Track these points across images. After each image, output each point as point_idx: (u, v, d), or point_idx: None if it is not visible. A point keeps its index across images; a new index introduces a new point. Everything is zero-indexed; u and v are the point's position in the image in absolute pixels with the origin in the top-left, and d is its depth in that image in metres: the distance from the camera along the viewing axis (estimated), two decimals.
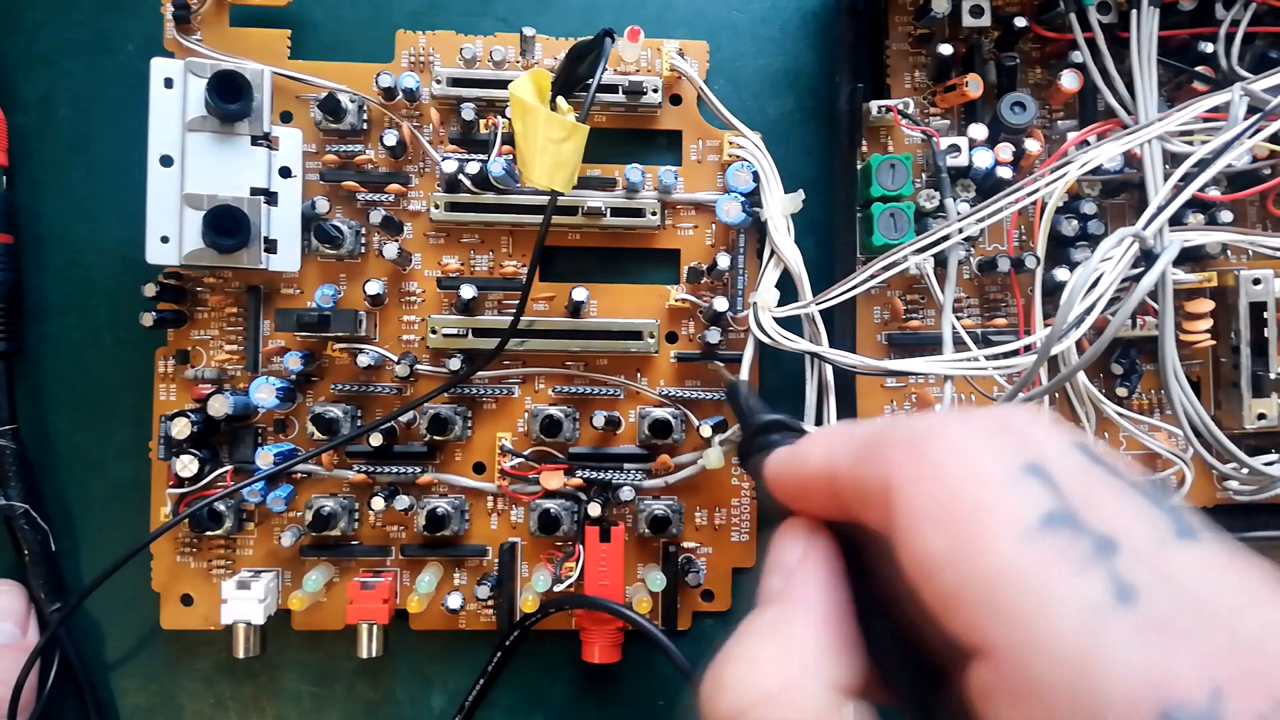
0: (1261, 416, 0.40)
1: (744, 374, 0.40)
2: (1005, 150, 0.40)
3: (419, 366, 0.40)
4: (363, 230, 0.41)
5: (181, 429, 0.38)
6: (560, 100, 0.35)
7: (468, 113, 0.40)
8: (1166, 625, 0.14)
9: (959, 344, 0.38)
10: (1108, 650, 0.14)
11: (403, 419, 0.40)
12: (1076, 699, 0.14)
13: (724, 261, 0.40)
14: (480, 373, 0.41)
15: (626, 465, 0.41)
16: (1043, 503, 0.16)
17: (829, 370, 0.39)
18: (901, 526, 0.17)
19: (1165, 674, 0.14)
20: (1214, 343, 0.41)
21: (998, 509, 0.16)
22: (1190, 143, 0.38)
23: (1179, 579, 0.15)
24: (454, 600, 0.40)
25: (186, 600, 0.40)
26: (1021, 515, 0.15)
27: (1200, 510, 0.42)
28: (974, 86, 0.40)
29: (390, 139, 0.40)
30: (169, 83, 0.36)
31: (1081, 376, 0.40)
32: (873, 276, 0.37)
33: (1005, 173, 0.40)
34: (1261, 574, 0.16)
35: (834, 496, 0.19)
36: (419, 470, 0.40)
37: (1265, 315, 0.40)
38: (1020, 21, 0.41)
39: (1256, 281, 0.40)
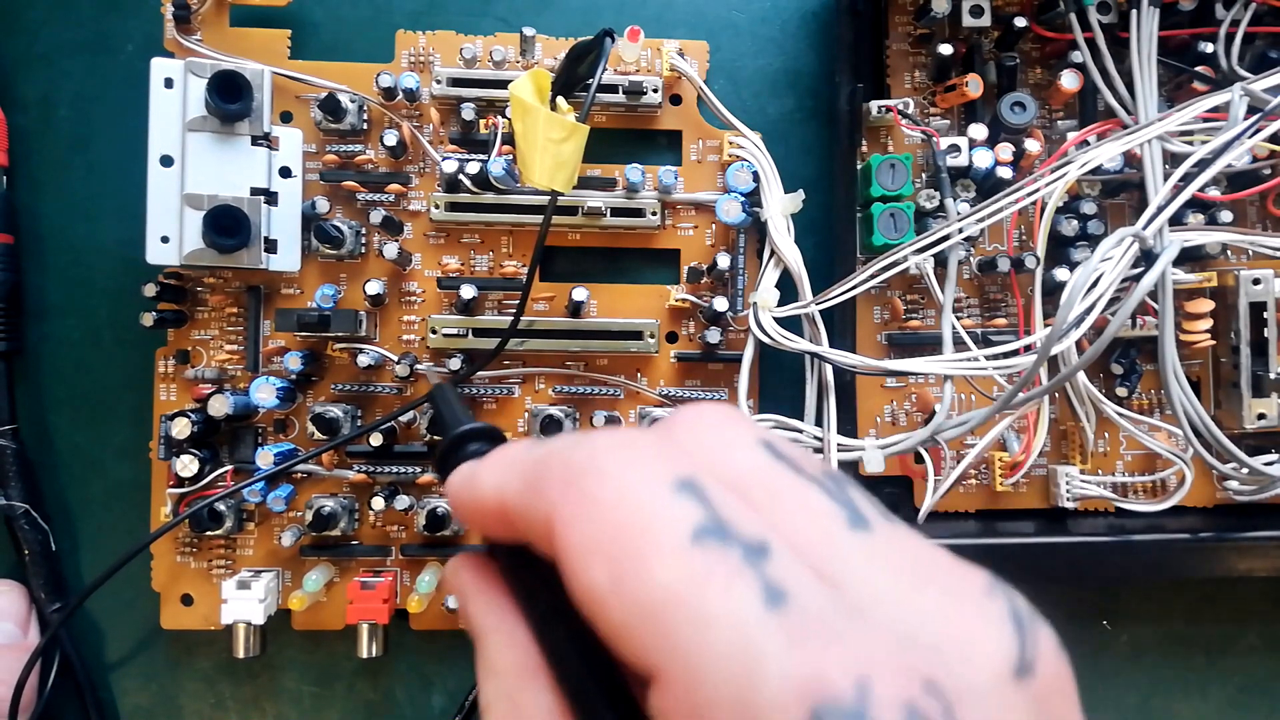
0: (1261, 416, 0.40)
1: (744, 374, 0.40)
2: (1005, 150, 0.40)
3: (419, 366, 0.40)
4: (363, 230, 0.41)
5: (181, 429, 0.38)
6: (560, 100, 0.35)
7: (468, 113, 0.40)
8: (815, 625, 0.14)
9: (959, 344, 0.38)
10: (760, 659, 0.14)
11: (403, 419, 0.40)
12: (738, 714, 0.14)
13: (724, 261, 0.40)
14: (480, 373, 0.41)
15: None
16: (692, 518, 0.15)
17: (829, 370, 0.39)
18: (567, 563, 0.16)
19: (813, 673, 0.14)
20: (1214, 343, 0.41)
21: (651, 532, 0.15)
22: (1190, 143, 0.38)
23: (840, 573, 0.15)
24: (454, 600, 0.40)
25: (187, 600, 0.40)
26: (672, 534, 0.15)
27: (1200, 510, 0.42)
28: (974, 86, 0.40)
29: (390, 139, 0.40)
30: (169, 83, 0.36)
31: (1081, 376, 0.40)
32: (873, 276, 0.37)
33: (1005, 173, 0.40)
34: (930, 560, 0.16)
35: (508, 525, 0.19)
36: (419, 470, 0.40)
37: (1265, 315, 0.40)
38: (1020, 21, 0.41)
39: (1256, 281, 0.40)
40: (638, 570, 0.15)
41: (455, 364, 0.40)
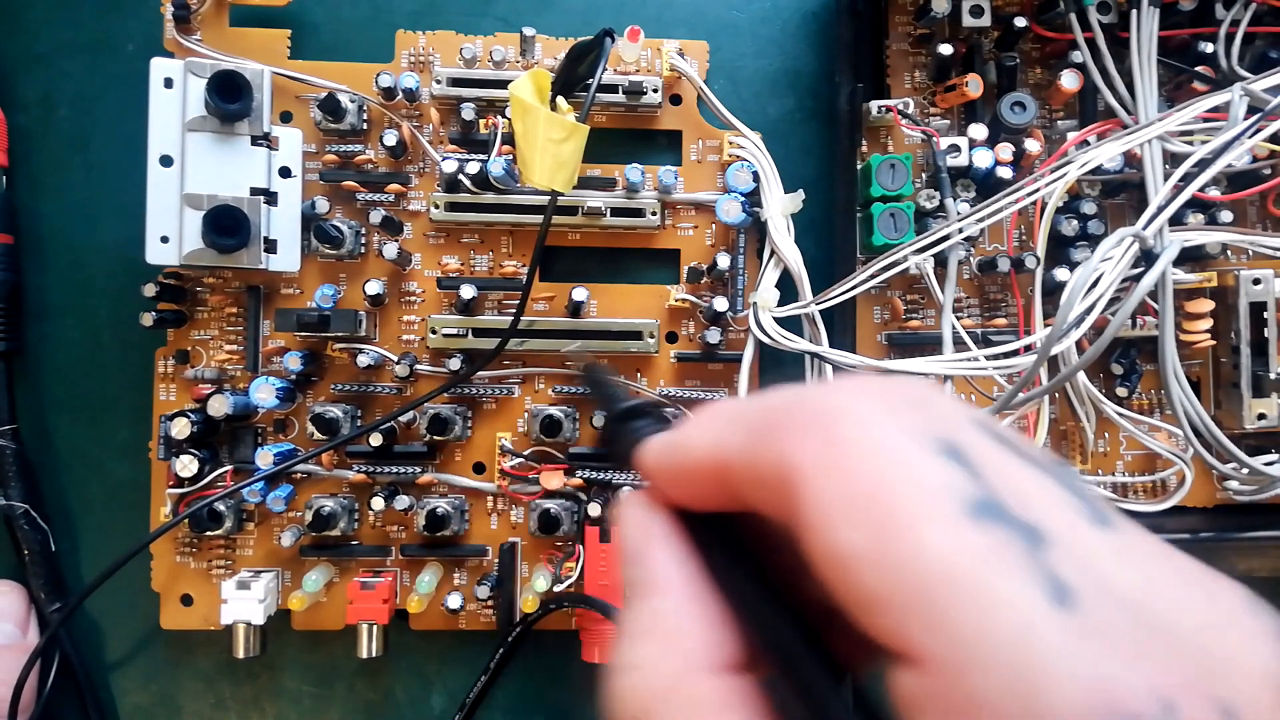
0: (1261, 416, 0.40)
1: (744, 374, 0.40)
2: (1005, 150, 0.40)
3: (419, 366, 0.40)
4: (363, 230, 0.41)
5: (181, 429, 0.38)
6: (560, 100, 0.35)
7: (468, 113, 0.40)
8: (1106, 630, 0.13)
9: (959, 344, 0.38)
10: (1051, 661, 0.13)
11: (403, 419, 0.40)
12: (1020, 711, 0.13)
13: (724, 261, 0.40)
14: (480, 373, 0.41)
15: None
16: (966, 489, 0.14)
17: (829, 370, 0.39)
18: (810, 519, 0.15)
19: (1113, 685, 0.13)
20: (1214, 343, 0.41)
21: (923, 495, 0.14)
22: (1190, 143, 0.38)
23: (1104, 574, 0.14)
24: (454, 600, 0.40)
25: (186, 600, 0.40)
26: (947, 504, 0.14)
27: (1200, 510, 0.42)
28: (974, 86, 0.40)
29: (390, 139, 0.40)
30: (169, 83, 0.36)
31: (1081, 376, 0.40)
32: (873, 276, 0.37)
33: (1005, 173, 0.40)
34: (1185, 568, 0.15)
35: (723, 485, 0.17)
36: (419, 470, 0.40)
37: (1265, 315, 0.40)
38: (1020, 21, 0.40)
39: (1256, 281, 0.40)
40: (907, 537, 0.14)
41: (455, 364, 0.40)
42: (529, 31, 0.40)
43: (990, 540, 0.14)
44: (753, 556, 0.17)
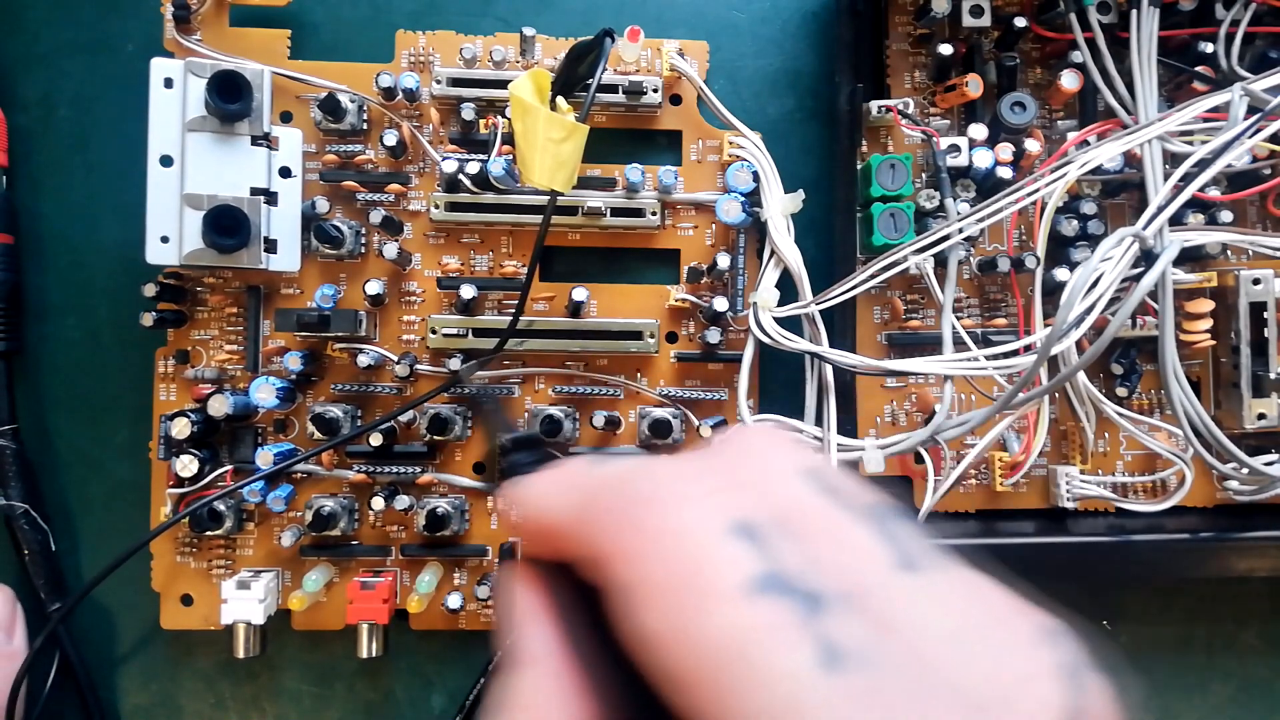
0: (1261, 416, 0.40)
1: (744, 374, 0.40)
2: (1005, 150, 0.40)
3: (419, 366, 0.40)
4: (363, 230, 0.41)
5: (181, 429, 0.38)
6: (560, 100, 0.35)
7: (468, 113, 0.40)
8: (873, 689, 0.14)
9: (959, 344, 0.38)
10: None
11: (403, 419, 0.40)
12: None
13: (724, 261, 0.40)
14: (480, 372, 0.41)
15: None
16: (748, 566, 0.15)
17: (829, 370, 0.39)
18: (619, 600, 0.16)
19: None
20: (1214, 343, 0.41)
21: (708, 580, 0.15)
22: (1190, 143, 0.38)
23: (889, 619, 0.15)
24: (454, 600, 0.40)
25: (186, 600, 0.40)
26: (729, 583, 0.15)
27: (1200, 510, 0.42)
28: (974, 86, 0.40)
29: (390, 139, 0.40)
30: (169, 83, 0.36)
31: (1081, 376, 0.40)
32: (873, 276, 0.37)
33: (1005, 173, 0.40)
34: (981, 604, 0.16)
35: (556, 547, 0.18)
36: (419, 470, 0.40)
37: (1265, 315, 0.40)
38: (1020, 21, 0.41)
39: (1256, 281, 0.40)
40: (695, 618, 0.15)
41: (455, 364, 0.40)
42: (529, 31, 0.41)
43: (768, 613, 0.14)
44: (606, 618, 0.18)
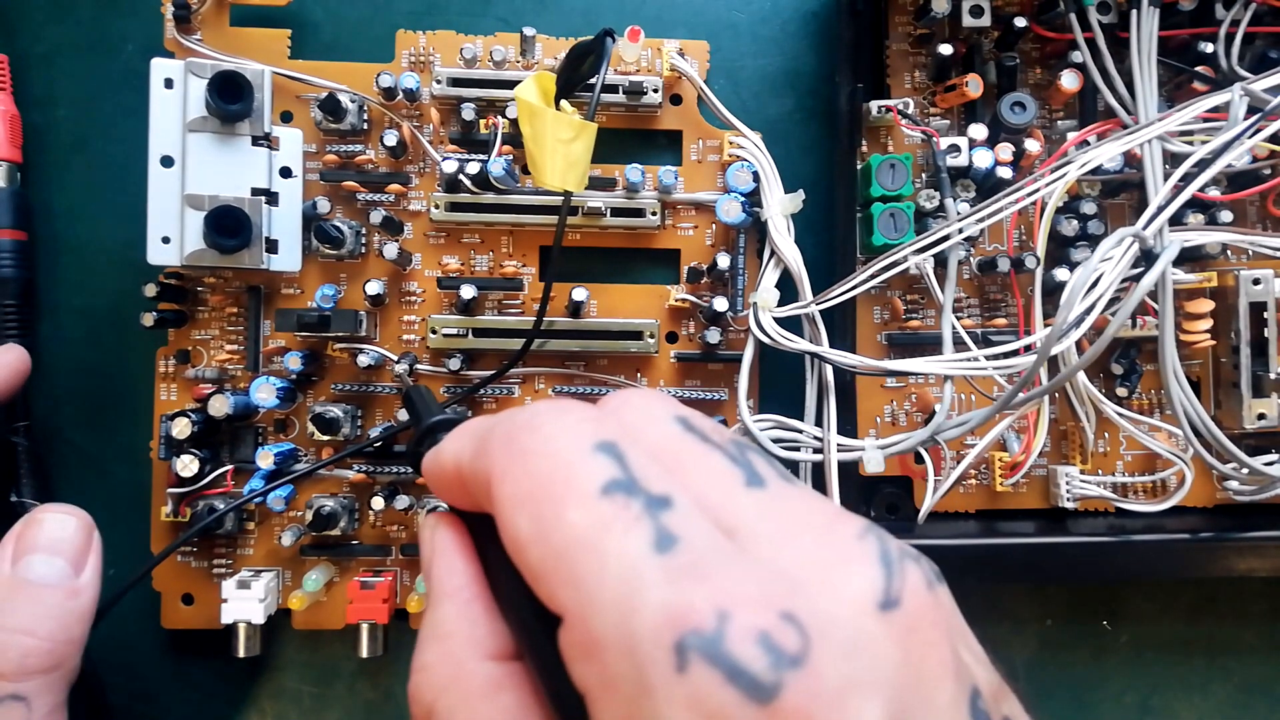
0: (1261, 416, 0.40)
1: (744, 374, 0.40)
2: (1005, 150, 0.40)
3: (419, 366, 0.40)
4: (363, 230, 0.41)
5: (182, 429, 0.38)
6: (563, 102, 0.35)
7: (468, 113, 0.40)
8: (694, 566, 0.16)
9: (959, 344, 0.38)
10: (641, 593, 0.15)
11: (402, 418, 0.40)
12: (621, 647, 0.15)
13: (724, 261, 0.40)
14: (479, 372, 0.41)
15: None
16: (605, 474, 0.17)
17: (829, 370, 0.39)
18: (499, 514, 0.18)
19: (683, 608, 0.15)
20: (1214, 343, 0.41)
21: (569, 483, 0.17)
22: (1190, 143, 0.38)
23: (733, 524, 0.17)
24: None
25: (187, 600, 0.40)
26: (586, 486, 0.17)
27: (1200, 510, 0.42)
28: (974, 86, 0.40)
29: (390, 139, 0.40)
30: (169, 83, 0.36)
31: (1081, 376, 0.40)
32: (873, 276, 0.37)
33: (1005, 173, 0.40)
34: (814, 510, 0.18)
35: (466, 491, 0.20)
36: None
37: (1265, 315, 0.40)
38: (1020, 21, 0.41)
39: (1256, 281, 0.40)
40: (553, 517, 0.17)
41: (455, 364, 0.40)
42: (529, 31, 0.41)
43: (614, 509, 0.16)
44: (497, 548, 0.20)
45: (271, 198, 0.38)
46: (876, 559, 0.17)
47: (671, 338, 0.42)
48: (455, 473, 0.21)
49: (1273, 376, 0.40)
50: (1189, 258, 0.41)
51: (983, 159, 0.40)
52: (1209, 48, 0.40)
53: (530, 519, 0.17)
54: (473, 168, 0.39)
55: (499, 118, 0.40)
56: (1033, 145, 0.40)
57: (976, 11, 0.40)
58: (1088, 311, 0.34)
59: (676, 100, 0.43)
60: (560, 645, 0.17)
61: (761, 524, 0.17)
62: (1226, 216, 0.41)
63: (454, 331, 0.40)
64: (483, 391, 0.41)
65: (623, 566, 0.16)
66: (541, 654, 0.18)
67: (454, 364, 0.40)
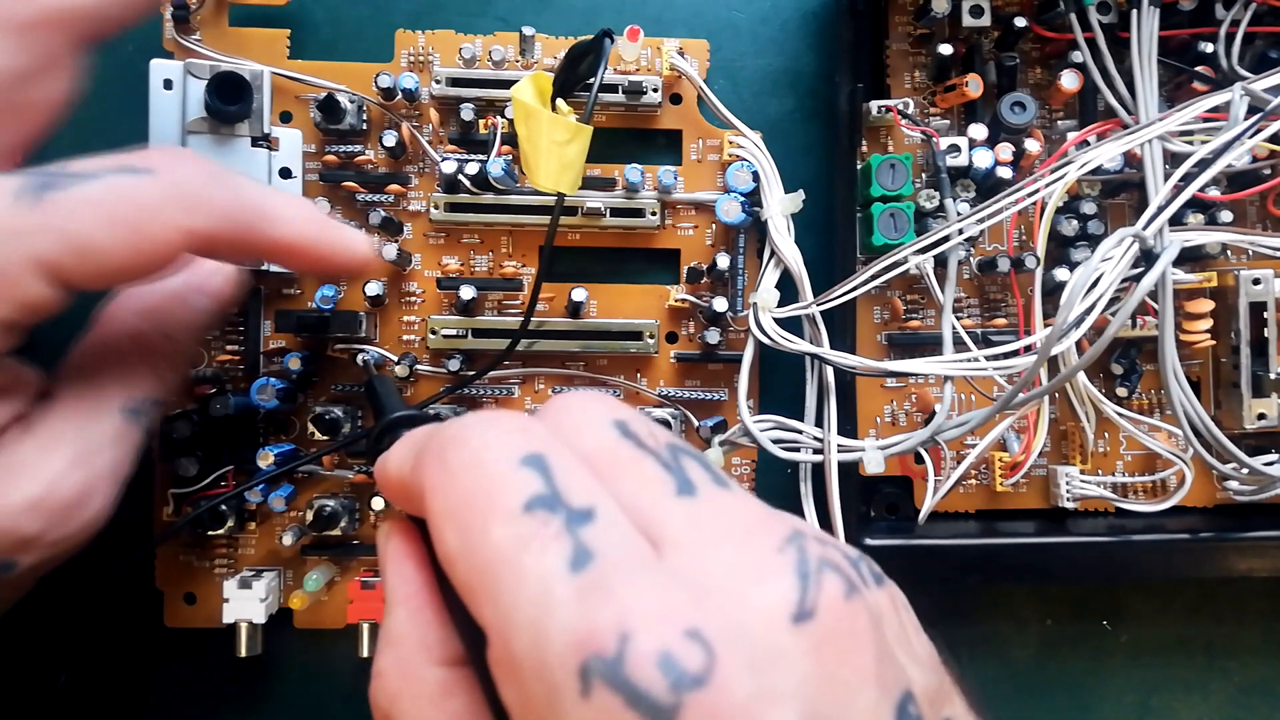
0: (1261, 416, 0.40)
1: (744, 375, 0.40)
2: (1005, 150, 0.40)
3: (419, 367, 0.40)
4: (363, 231, 0.41)
5: (182, 429, 0.38)
6: (560, 102, 0.35)
7: (467, 113, 0.40)
8: (604, 582, 0.15)
9: (959, 344, 0.38)
10: (552, 614, 0.15)
11: None
12: (534, 669, 0.15)
13: (724, 261, 0.40)
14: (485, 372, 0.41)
15: None
16: (529, 489, 0.17)
17: (829, 371, 0.39)
18: (431, 528, 0.18)
19: (587, 630, 0.15)
20: (1214, 343, 0.41)
21: (490, 501, 0.17)
22: (1190, 143, 0.38)
23: (660, 534, 0.17)
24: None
25: (189, 599, 0.41)
26: (509, 503, 0.17)
27: (1200, 510, 0.42)
28: (974, 86, 0.40)
29: (390, 139, 0.40)
30: (168, 84, 0.36)
31: (1081, 376, 0.40)
32: (873, 277, 0.37)
33: (1005, 173, 0.40)
34: (741, 518, 0.18)
35: (409, 501, 0.21)
36: None
37: (1265, 315, 0.40)
38: (1020, 21, 0.40)
39: (1256, 281, 0.40)
40: (479, 534, 0.17)
41: (454, 364, 0.40)
42: (529, 31, 0.40)
43: (535, 526, 0.16)
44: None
45: None
46: (792, 570, 0.17)
47: (671, 338, 0.42)
48: (397, 482, 0.21)
49: (1273, 376, 0.40)
50: (1189, 258, 0.41)
51: (983, 159, 0.40)
52: (1209, 48, 0.40)
53: (456, 534, 0.17)
54: (472, 168, 0.39)
55: (498, 118, 0.40)
56: (1033, 145, 0.40)
57: (976, 11, 0.40)
58: (1088, 312, 0.34)
59: (676, 100, 0.42)
60: (490, 664, 0.17)
61: (686, 533, 0.17)
62: (1226, 216, 0.41)
63: (454, 332, 0.40)
64: (481, 392, 0.41)
65: (537, 586, 0.16)
66: (479, 665, 0.18)
67: (454, 365, 0.40)
